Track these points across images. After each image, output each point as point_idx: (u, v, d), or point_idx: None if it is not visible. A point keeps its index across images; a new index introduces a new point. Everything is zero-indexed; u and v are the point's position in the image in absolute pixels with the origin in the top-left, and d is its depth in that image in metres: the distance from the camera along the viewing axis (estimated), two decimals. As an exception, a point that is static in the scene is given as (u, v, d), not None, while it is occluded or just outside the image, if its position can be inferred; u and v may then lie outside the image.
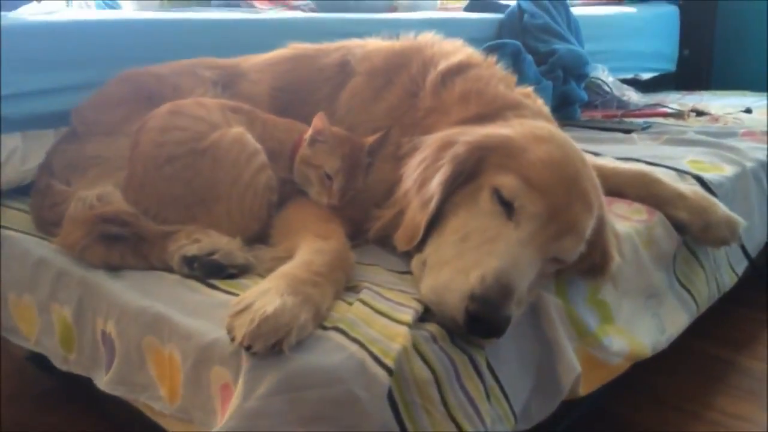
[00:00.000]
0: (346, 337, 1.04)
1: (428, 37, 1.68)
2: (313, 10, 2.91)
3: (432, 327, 1.11)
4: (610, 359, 1.36)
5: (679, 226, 1.64)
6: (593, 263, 1.30)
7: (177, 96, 1.60)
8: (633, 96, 3.07)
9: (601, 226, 1.27)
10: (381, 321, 1.08)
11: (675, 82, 3.86)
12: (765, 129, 2.41)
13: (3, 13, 1.80)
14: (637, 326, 1.47)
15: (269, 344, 0.97)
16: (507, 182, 1.18)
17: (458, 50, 1.60)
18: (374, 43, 1.71)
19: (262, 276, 1.24)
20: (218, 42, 2.03)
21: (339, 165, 1.40)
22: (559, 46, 2.73)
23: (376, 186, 1.45)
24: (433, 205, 1.22)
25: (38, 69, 1.74)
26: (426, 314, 1.13)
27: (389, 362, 1.00)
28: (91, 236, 1.35)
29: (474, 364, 1.10)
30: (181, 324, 1.13)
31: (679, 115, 2.82)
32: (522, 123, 1.30)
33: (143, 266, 1.32)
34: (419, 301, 1.15)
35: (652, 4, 3.82)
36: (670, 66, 3.85)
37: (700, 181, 1.83)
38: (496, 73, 1.52)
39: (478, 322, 1.06)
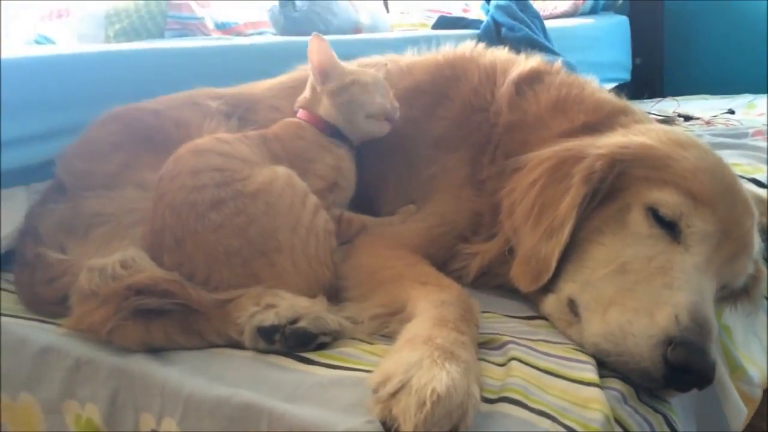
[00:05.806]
0: (526, 409, 0.82)
1: (470, 46, 1.49)
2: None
3: (616, 383, 0.89)
4: (755, 393, 1.18)
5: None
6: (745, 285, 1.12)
7: (182, 132, 1.36)
8: (611, 106, 2.97)
9: (754, 239, 1.10)
10: (556, 383, 0.87)
11: (630, 91, 3.82)
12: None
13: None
14: (752, 349, 1.31)
15: None
16: (665, 198, 0.98)
17: (515, 58, 1.41)
18: (410, 58, 1.51)
19: (365, 341, 1.00)
20: (198, 70, 1.77)
21: None
22: (550, 58, 2.59)
23: (457, 217, 1.23)
24: (566, 233, 1.01)
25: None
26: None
27: (593, 437, 0.78)
28: (122, 313, 1.05)
29: (669, 423, 0.90)
30: (288, 414, 0.86)
31: (668, 121, 2.74)
32: (648, 129, 1.11)
33: (197, 344, 1.06)
34: (581, 350, 0.93)
35: (604, 16, 3.80)
36: (626, 75, 3.84)
37: (757, 183, 1.70)
38: (578, 78, 1.33)
39: (682, 372, 0.86)
